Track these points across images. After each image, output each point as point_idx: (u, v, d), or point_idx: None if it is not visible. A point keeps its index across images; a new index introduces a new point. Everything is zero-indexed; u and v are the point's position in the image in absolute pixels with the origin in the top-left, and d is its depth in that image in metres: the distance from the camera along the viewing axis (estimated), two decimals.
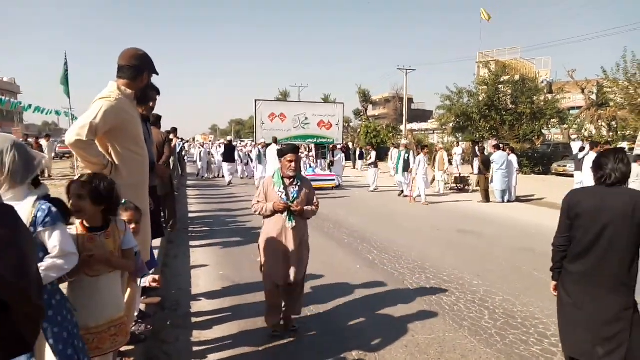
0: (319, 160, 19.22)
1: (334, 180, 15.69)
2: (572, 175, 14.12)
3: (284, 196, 3.67)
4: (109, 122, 2.72)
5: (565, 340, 2.68)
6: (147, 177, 3.13)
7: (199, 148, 21.23)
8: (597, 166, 2.58)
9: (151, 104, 3.95)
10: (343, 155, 17.89)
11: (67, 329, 2.04)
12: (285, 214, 3.65)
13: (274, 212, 3.66)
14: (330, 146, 18.27)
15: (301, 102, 18.88)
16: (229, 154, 17.10)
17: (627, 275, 2.41)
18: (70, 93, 15.27)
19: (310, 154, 20.32)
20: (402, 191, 13.64)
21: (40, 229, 1.95)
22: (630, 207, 2.37)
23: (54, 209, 2.00)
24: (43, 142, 18.90)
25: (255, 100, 16.78)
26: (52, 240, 1.98)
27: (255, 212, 3.75)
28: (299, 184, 3.76)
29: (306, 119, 17.47)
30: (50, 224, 1.97)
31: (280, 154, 3.79)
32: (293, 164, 3.69)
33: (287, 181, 3.73)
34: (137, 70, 2.97)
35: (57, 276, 2.01)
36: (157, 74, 3.17)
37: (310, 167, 16.79)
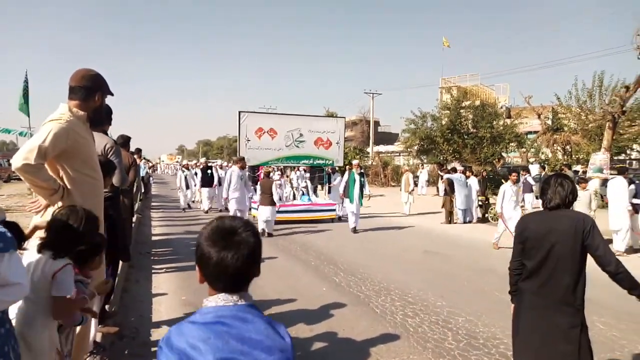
0: (313, 186, 15.97)
1: (334, 210, 13.11)
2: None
3: None
4: (59, 145, 2.63)
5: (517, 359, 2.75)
6: (102, 200, 3.04)
7: (182, 171, 16.62)
8: (541, 191, 2.73)
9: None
10: (341, 179, 14.05)
11: None
12: None
13: None
14: (328, 169, 15.23)
15: (295, 115, 15.42)
16: (207, 178, 14.97)
17: (572, 295, 2.51)
18: (30, 112, 14.82)
19: (303, 177, 16.59)
20: (355, 227, 10.97)
21: None
22: (572, 230, 2.49)
23: (8, 234, 1.87)
24: None
25: (240, 112, 14.10)
26: (1, 267, 1.81)
27: None
28: None
29: (301, 135, 14.82)
30: (2, 250, 1.83)
31: None
32: None
33: None
34: (89, 91, 2.90)
35: None
36: (112, 94, 3.11)
37: (304, 194, 14.58)
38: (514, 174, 9.83)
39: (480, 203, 13.25)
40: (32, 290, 2.18)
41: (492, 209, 12.54)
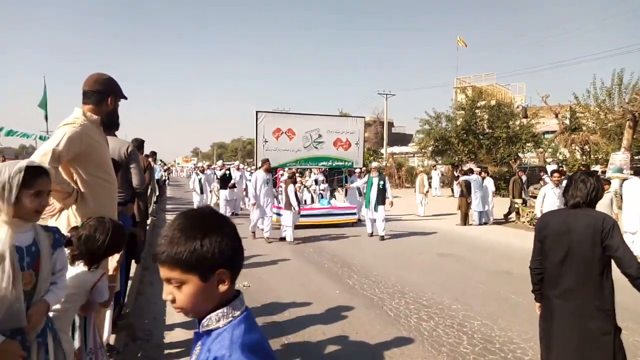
0: (331, 189, 15.17)
1: (355, 213, 12.43)
2: None
3: None
4: (72, 148, 2.66)
5: None
6: (115, 204, 3.06)
7: (196, 174, 15.23)
8: (564, 189, 2.64)
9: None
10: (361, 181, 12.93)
11: None
12: None
13: None
14: (347, 171, 14.72)
15: (314, 115, 14.89)
16: (225, 180, 14.44)
17: (598, 299, 2.40)
18: (49, 115, 15.15)
19: (313, 181, 15.52)
20: (372, 233, 10.50)
21: (58, 249, 2.06)
22: (591, 229, 2.39)
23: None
24: None
25: (257, 112, 13.50)
26: (63, 259, 2.10)
27: None
28: None
29: (319, 136, 14.30)
30: (63, 244, 2.14)
31: None
32: None
33: None
34: (102, 95, 2.92)
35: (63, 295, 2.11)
36: (125, 98, 3.13)
37: (323, 197, 13.89)
38: (555, 174, 8.49)
39: (516, 206, 12.97)
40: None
41: (529, 213, 12.05)
